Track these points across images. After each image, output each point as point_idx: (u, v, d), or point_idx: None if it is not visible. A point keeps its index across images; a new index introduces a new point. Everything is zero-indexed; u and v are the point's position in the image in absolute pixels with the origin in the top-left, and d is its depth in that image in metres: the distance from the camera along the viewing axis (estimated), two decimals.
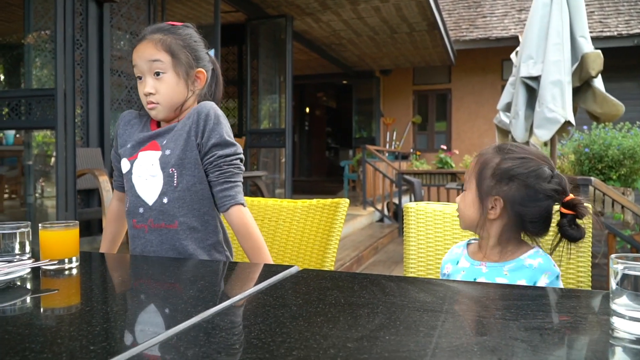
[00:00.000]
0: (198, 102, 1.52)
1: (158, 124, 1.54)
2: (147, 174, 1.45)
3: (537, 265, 1.24)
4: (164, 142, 1.46)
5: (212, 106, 1.46)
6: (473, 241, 1.41)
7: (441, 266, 1.42)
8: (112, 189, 1.68)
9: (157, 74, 1.43)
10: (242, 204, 1.46)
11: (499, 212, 1.26)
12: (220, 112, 1.47)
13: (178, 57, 1.44)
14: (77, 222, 1.23)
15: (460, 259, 1.35)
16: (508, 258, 1.27)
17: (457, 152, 11.78)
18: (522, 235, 1.31)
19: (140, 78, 1.47)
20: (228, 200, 1.45)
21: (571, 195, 1.25)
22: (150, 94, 1.43)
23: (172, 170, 1.44)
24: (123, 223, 1.65)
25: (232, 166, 1.46)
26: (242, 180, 1.49)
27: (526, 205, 1.23)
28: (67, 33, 3.01)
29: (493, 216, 1.26)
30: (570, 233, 1.25)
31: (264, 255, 1.46)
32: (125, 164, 1.51)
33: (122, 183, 1.58)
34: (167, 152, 1.44)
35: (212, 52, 1.62)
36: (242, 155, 1.49)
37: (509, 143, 1.35)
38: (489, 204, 1.26)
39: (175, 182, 1.44)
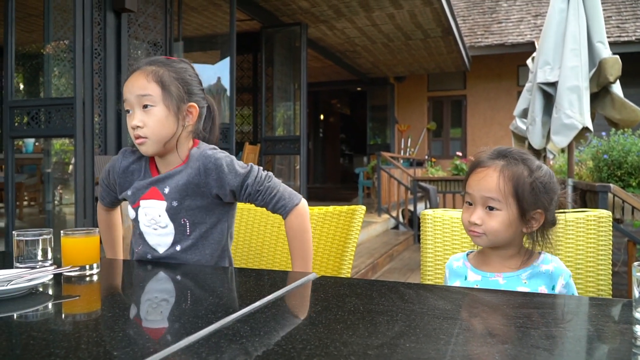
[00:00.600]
0: (193, 139, 1.48)
1: (157, 169, 1.49)
2: (156, 225, 1.44)
3: (552, 270, 1.25)
4: (167, 190, 1.42)
5: (213, 155, 1.41)
6: (470, 252, 1.39)
7: (445, 281, 1.39)
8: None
9: (146, 106, 1.37)
10: (296, 204, 1.46)
11: (540, 223, 1.26)
12: (221, 153, 1.43)
13: (169, 90, 1.39)
14: (97, 229, 1.24)
15: (468, 272, 1.32)
16: (522, 266, 1.27)
17: (472, 158, 11.70)
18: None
19: (128, 112, 1.41)
20: (283, 209, 1.45)
21: None
22: (138, 127, 1.37)
23: (183, 220, 1.43)
24: (116, 229, 1.68)
25: (266, 181, 1.44)
26: (277, 182, 1.47)
27: (554, 209, 1.27)
28: (86, 43, 3.06)
29: (535, 228, 1.26)
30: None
31: (306, 263, 1.46)
32: (130, 212, 1.50)
33: (109, 201, 1.60)
34: (175, 203, 1.42)
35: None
36: (259, 168, 1.47)
37: (506, 147, 1.31)
38: (529, 217, 1.24)
39: (188, 231, 1.44)
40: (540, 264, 1.26)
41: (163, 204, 1.42)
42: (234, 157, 1.44)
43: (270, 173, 1.47)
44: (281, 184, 1.46)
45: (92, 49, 3.17)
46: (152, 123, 1.37)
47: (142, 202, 1.45)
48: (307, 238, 1.47)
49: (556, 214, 1.30)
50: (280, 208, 1.44)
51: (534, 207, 1.23)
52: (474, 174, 1.29)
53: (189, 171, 1.41)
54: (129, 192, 1.47)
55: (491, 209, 1.24)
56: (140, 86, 1.37)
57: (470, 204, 1.29)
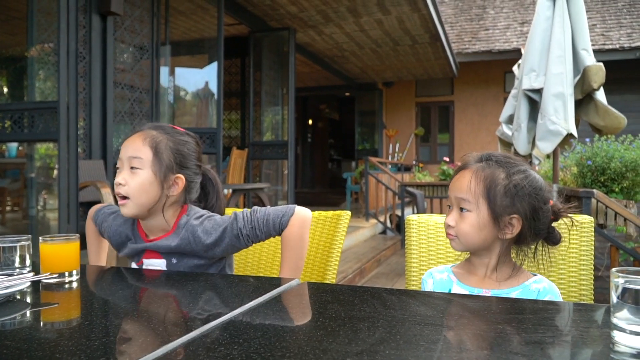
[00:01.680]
0: (182, 205, 1.48)
1: (145, 233, 1.48)
2: None
3: (542, 290, 1.21)
4: (162, 252, 1.45)
5: (199, 225, 1.41)
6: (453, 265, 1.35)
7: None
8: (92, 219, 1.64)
9: (134, 168, 1.38)
10: (292, 214, 1.42)
11: (516, 230, 1.21)
12: (207, 222, 1.42)
13: (160, 157, 1.39)
14: (77, 235, 1.23)
15: (453, 286, 1.28)
16: (512, 284, 1.23)
17: (459, 164, 11.76)
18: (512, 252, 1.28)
19: (119, 169, 1.42)
20: (281, 226, 1.43)
21: (551, 201, 1.24)
22: (120, 184, 1.37)
23: None
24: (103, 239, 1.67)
25: (253, 215, 1.43)
26: (263, 209, 1.44)
27: (539, 218, 1.21)
28: (70, 46, 3.04)
29: (510, 235, 1.21)
30: (554, 237, 1.25)
31: (295, 272, 1.44)
32: (133, 266, 1.52)
33: (104, 227, 1.57)
34: (174, 260, 1.44)
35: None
36: (242, 210, 1.45)
37: (492, 152, 1.28)
38: (504, 223, 1.20)
39: None
40: (532, 283, 1.22)
41: (164, 262, 1.45)
42: (216, 216, 1.45)
43: (255, 207, 1.46)
44: (268, 208, 1.45)
45: (77, 52, 3.15)
46: (135, 184, 1.37)
47: (145, 261, 1.47)
48: (302, 247, 1.44)
49: (558, 231, 1.25)
50: (279, 226, 1.43)
51: (508, 212, 1.19)
52: (455, 175, 1.28)
53: (178, 240, 1.41)
54: (127, 252, 1.49)
55: (462, 210, 1.23)
56: (135, 148, 1.39)
57: (450, 207, 1.28)
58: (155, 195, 1.39)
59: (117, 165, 1.42)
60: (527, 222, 1.20)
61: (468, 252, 1.31)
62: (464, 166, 1.28)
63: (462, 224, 1.22)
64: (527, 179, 1.21)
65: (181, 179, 1.43)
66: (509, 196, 1.19)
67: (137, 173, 1.37)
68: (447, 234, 1.26)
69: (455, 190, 1.24)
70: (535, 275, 1.26)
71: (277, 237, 1.48)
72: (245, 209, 1.45)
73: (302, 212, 1.45)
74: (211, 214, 1.47)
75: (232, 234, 1.40)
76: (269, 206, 1.47)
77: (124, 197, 1.38)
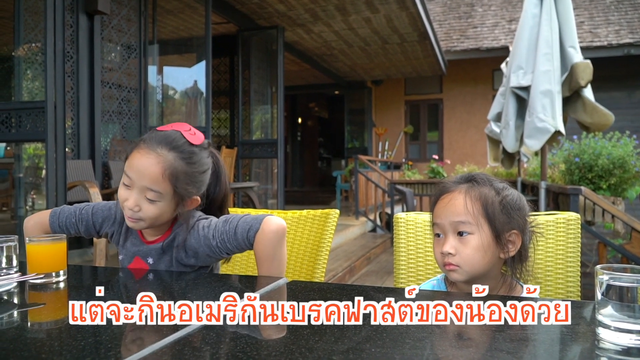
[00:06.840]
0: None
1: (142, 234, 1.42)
2: None
3: None
4: (150, 260, 1.39)
5: (191, 231, 1.34)
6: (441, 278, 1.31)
7: None
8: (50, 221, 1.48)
9: (151, 199, 1.27)
10: (254, 234, 1.30)
11: (517, 246, 1.18)
12: (201, 221, 1.36)
13: (180, 191, 1.28)
14: (64, 235, 1.22)
15: None
16: None
17: (449, 161, 11.84)
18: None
19: (125, 185, 1.29)
20: (249, 243, 1.31)
21: None
22: (134, 211, 1.28)
23: None
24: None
25: (225, 225, 1.33)
26: (235, 221, 1.33)
27: (527, 233, 1.21)
28: (57, 45, 3.01)
29: (513, 252, 1.18)
30: (527, 253, 1.23)
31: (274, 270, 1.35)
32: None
33: (68, 228, 1.46)
34: (150, 260, 1.40)
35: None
36: (219, 218, 1.37)
37: (470, 173, 1.25)
38: (505, 241, 1.17)
39: None
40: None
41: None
42: (200, 222, 1.36)
43: (228, 215, 1.38)
44: (240, 218, 1.33)
45: (64, 51, 3.13)
46: (152, 214, 1.28)
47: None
48: (274, 263, 1.31)
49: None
50: (247, 241, 1.31)
51: (508, 228, 1.17)
52: (439, 201, 1.22)
53: (169, 243, 1.37)
54: (121, 257, 1.44)
55: (463, 234, 1.16)
56: (153, 179, 1.26)
57: (440, 236, 1.21)
58: (170, 215, 1.33)
59: (126, 183, 1.29)
60: (524, 236, 1.19)
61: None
62: (445, 190, 1.22)
63: (465, 249, 1.16)
64: (514, 193, 1.21)
65: (197, 200, 1.36)
66: (505, 212, 1.17)
67: (154, 204, 1.28)
68: (446, 265, 1.18)
69: (449, 214, 1.18)
70: (522, 288, 1.24)
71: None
72: (223, 217, 1.37)
73: (271, 225, 1.29)
74: (202, 216, 1.39)
75: (206, 243, 1.33)
76: (245, 214, 1.37)
77: (135, 218, 1.29)
